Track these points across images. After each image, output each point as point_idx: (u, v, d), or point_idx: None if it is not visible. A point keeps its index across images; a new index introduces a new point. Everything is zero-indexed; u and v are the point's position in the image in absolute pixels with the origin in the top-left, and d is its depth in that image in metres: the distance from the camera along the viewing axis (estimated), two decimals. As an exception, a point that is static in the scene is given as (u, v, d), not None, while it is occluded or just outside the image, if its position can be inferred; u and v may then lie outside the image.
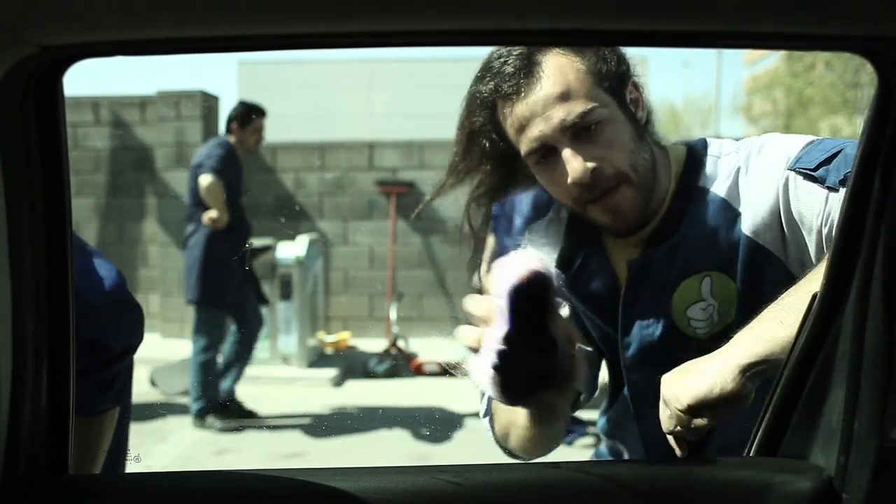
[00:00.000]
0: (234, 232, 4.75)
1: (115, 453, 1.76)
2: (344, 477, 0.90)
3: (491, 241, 1.43)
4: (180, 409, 4.96)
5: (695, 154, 1.32)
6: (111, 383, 1.42)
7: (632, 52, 1.27)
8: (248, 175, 6.98)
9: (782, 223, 1.21)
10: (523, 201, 1.40)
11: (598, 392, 1.51)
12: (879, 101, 0.77)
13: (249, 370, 5.86)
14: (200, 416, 4.73)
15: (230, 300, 4.79)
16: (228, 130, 4.87)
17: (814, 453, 0.89)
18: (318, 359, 6.28)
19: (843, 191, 1.09)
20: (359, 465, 0.92)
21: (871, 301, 0.78)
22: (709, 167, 1.30)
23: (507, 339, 0.85)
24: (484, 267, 1.36)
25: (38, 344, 0.82)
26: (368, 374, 5.96)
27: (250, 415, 5.00)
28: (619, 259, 1.34)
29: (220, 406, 4.82)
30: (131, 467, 1.91)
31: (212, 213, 4.59)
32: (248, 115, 4.85)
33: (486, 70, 1.27)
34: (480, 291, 0.93)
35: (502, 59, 1.24)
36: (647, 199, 1.27)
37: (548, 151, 1.23)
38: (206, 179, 4.60)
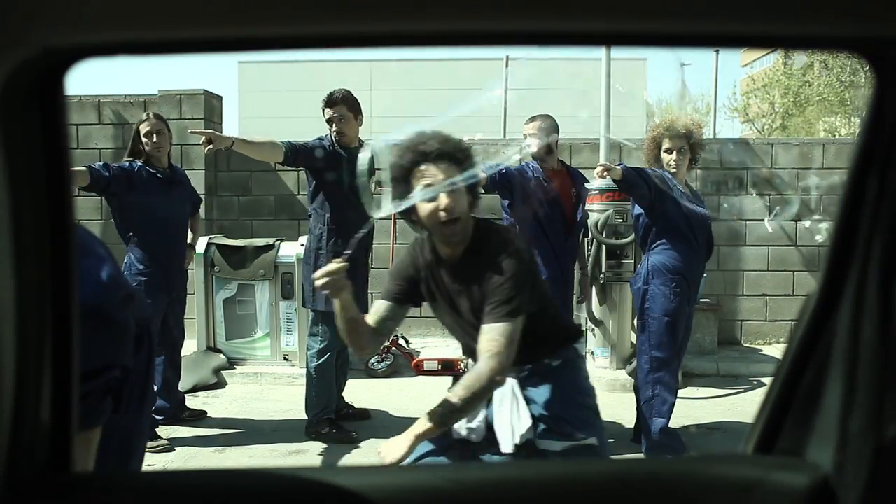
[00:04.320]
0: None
1: (126, 460, 1.73)
2: (344, 475, 0.91)
3: None
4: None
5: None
6: (83, 401, 1.38)
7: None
8: (249, 175, 7.00)
9: None
10: None
11: None
12: (876, 101, 0.78)
13: (250, 368, 5.88)
14: (317, 425, 4.52)
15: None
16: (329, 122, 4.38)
17: (810, 450, 0.89)
18: (319, 358, 6.28)
19: None
20: (359, 463, 0.93)
21: (867, 300, 0.79)
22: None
23: None
24: None
25: (41, 344, 0.82)
26: (369, 373, 5.97)
27: (364, 415, 4.92)
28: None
29: (335, 413, 4.62)
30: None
31: None
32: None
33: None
34: None
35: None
36: None
37: None
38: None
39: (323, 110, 4.42)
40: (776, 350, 6.56)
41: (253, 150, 4.23)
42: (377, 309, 2.38)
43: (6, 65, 0.71)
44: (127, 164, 4.37)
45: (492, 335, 2.12)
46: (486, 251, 2.23)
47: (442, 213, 2.20)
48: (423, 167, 2.20)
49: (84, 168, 4.17)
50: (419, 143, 2.24)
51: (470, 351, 2.34)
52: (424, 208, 2.22)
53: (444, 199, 2.20)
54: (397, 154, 2.27)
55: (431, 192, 2.20)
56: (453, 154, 2.21)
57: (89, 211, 6.81)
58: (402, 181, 2.24)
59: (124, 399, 1.57)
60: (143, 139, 4.41)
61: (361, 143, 4.57)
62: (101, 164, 4.32)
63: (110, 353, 1.48)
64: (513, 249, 2.21)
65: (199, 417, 4.92)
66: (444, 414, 2.07)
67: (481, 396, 2.10)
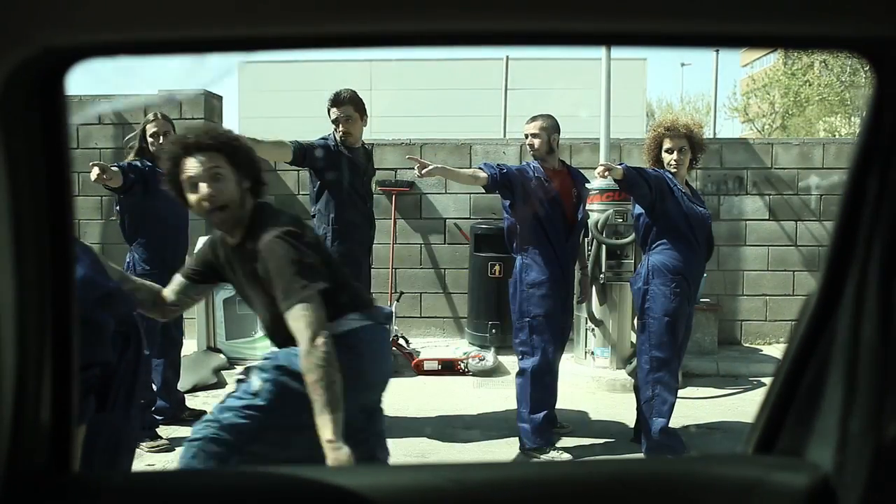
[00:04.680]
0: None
1: (114, 458, 1.74)
2: (344, 475, 0.91)
3: None
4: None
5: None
6: None
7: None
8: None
9: None
10: None
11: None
12: (876, 101, 0.78)
13: (250, 369, 5.88)
14: None
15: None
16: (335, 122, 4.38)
17: (810, 450, 0.89)
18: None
19: None
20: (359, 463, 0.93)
21: (867, 300, 0.79)
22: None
23: None
24: None
25: (41, 344, 0.82)
26: (368, 374, 5.95)
27: None
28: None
29: None
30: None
31: None
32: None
33: None
34: None
35: None
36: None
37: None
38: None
39: (329, 110, 4.41)
40: (776, 350, 6.56)
41: (261, 149, 4.23)
42: (173, 281, 2.56)
43: (6, 65, 0.71)
44: (139, 163, 4.37)
45: (296, 314, 2.13)
46: (261, 236, 2.25)
47: (204, 203, 2.26)
48: (184, 160, 2.27)
49: (116, 168, 4.17)
50: (179, 138, 2.38)
51: (267, 328, 2.41)
52: (191, 199, 2.29)
53: (204, 189, 2.25)
54: (165, 151, 2.40)
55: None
56: (212, 144, 2.27)
57: (89, 211, 6.81)
58: (173, 176, 2.31)
59: (110, 397, 1.57)
60: (149, 139, 4.40)
61: (364, 144, 4.57)
62: (125, 164, 4.32)
63: (88, 352, 1.48)
64: (286, 231, 2.22)
65: (199, 417, 4.90)
66: (323, 404, 2.03)
67: (328, 365, 2.06)
